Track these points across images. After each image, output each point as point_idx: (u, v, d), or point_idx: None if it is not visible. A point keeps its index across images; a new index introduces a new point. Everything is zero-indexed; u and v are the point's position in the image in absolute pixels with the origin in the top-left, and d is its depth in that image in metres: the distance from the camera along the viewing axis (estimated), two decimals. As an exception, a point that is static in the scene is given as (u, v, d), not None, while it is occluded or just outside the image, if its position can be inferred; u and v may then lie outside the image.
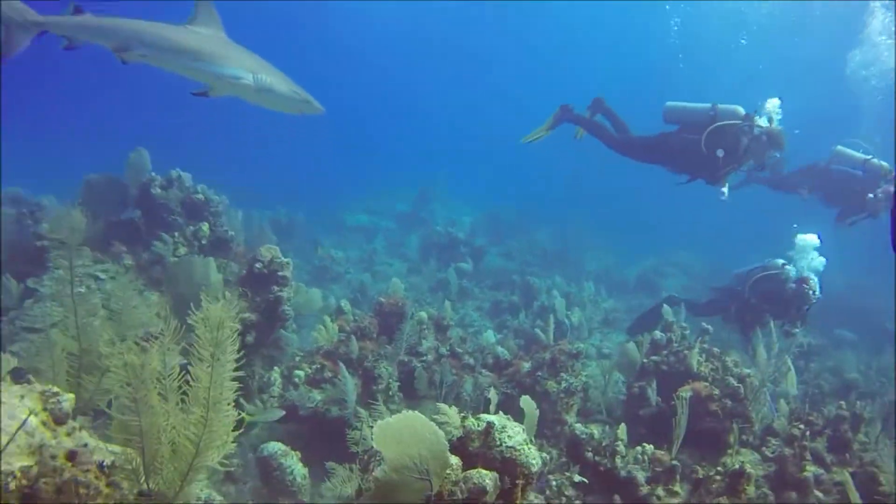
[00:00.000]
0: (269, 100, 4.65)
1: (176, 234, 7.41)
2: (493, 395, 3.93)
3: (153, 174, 7.68)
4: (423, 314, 6.67)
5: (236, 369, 2.76)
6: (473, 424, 3.02)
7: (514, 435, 2.97)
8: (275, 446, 4.87)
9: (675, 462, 4.50)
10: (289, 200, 18.94)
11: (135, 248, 7.51)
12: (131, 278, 7.19)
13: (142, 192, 7.65)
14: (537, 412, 4.47)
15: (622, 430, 4.57)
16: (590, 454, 4.44)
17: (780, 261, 7.27)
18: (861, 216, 8.43)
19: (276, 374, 5.98)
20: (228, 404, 2.73)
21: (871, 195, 7.97)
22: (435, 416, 2.92)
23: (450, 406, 3.05)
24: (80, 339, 3.68)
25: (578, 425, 4.61)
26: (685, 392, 5.52)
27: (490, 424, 2.99)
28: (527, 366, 6.30)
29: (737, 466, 4.46)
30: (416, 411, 2.72)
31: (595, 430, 4.65)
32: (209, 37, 4.22)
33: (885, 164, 8.14)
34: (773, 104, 6.79)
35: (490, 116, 48.02)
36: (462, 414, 3.14)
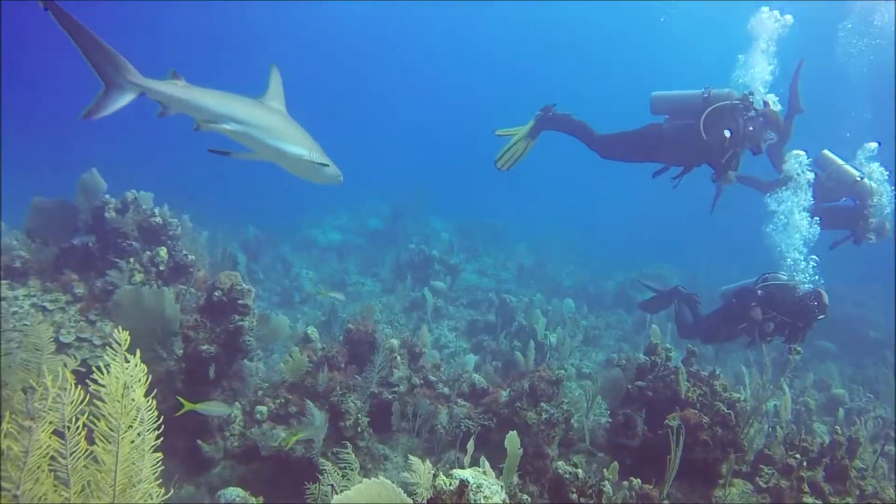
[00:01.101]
0: (309, 173, 4.78)
1: (131, 260, 6.97)
2: (469, 445, 3.56)
3: (107, 197, 7.24)
4: (395, 341, 6.31)
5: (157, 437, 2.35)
6: (445, 483, 2.69)
7: (492, 496, 2.64)
8: (233, 493, 4.49)
9: (666, 503, 4.20)
10: (257, 218, 18.49)
11: (87, 276, 7.06)
12: (83, 308, 6.76)
13: (95, 217, 7.20)
14: (520, 452, 4.17)
15: (613, 468, 4.26)
16: (574, 496, 4.12)
17: (783, 274, 6.89)
18: (845, 239, 8.12)
19: (236, 411, 5.58)
20: (149, 484, 2.34)
21: (863, 222, 7.66)
22: (403, 475, 2.58)
23: (421, 439, 2.69)
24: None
25: (561, 463, 4.29)
26: (673, 420, 5.25)
27: (464, 484, 2.66)
28: (504, 395, 5.98)
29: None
30: (381, 478, 2.39)
31: (579, 468, 4.33)
32: (280, 115, 4.41)
33: (874, 185, 7.80)
34: (763, 82, 6.52)
35: (463, 130, 48.00)
36: (432, 471, 2.81)
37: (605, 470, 4.21)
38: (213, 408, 5.15)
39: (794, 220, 6.95)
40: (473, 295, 14.54)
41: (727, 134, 5.99)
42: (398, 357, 6.28)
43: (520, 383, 5.91)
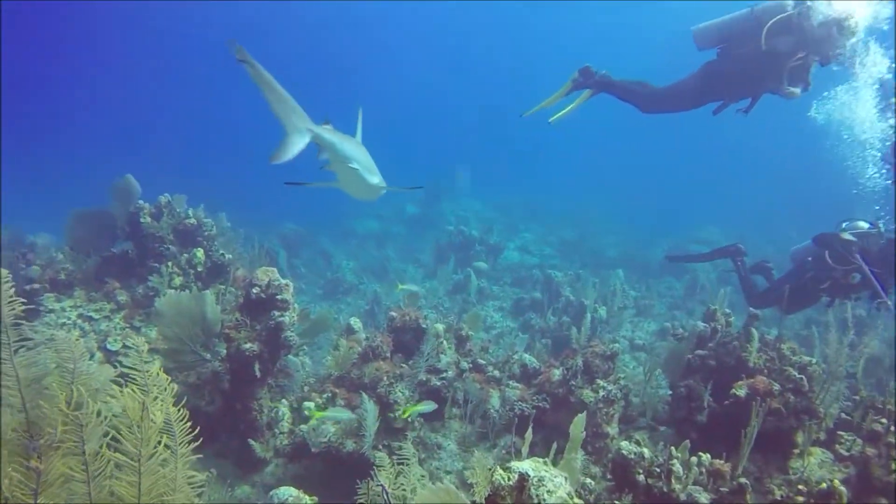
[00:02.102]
0: (367, 196, 5.05)
1: (170, 263, 6.94)
2: (528, 434, 3.32)
3: (141, 202, 7.22)
4: (440, 326, 6.11)
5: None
6: (503, 478, 2.47)
7: (555, 489, 2.42)
8: (286, 492, 4.36)
9: (743, 480, 3.91)
10: (294, 213, 18.51)
11: (129, 283, 7.07)
12: (127, 315, 6.76)
13: (131, 223, 7.19)
14: (583, 435, 3.94)
15: (683, 447, 3.98)
16: (641, 477, 3.87)
17: (863, 222, 6.19)
18: None
19: (284, 408, 5.48)
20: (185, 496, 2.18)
21: None
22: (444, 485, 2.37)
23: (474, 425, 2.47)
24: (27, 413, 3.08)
25: (625, 443, 4.03)
26: (741, 390, 4.93)
27: (524, 477, 2.44)
28: (557, 373, 5.73)
29: (824, 485, 3.84)
30: (445, 483, 2.19)
31: (644, 447, 4.07)
32: (362, 148, 4.72)
33: None
34: None
35: (493, 109, 47.41)
36: (489, 467, 2.59)
37: (673, 448, 3.93)
38: (339, 413, 5.08)
39: None
40: (517, 273, 14.27)
41: (792, 46, 5.37)
42: (444, 342, 6.09)
43: (573, 360, 5.64)
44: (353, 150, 4.42)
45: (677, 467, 3.87)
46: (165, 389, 2.25)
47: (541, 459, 2.67)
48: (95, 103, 42.53)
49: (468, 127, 49.81)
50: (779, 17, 5.46)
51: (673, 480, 3.83)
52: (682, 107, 5.95)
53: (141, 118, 42.76)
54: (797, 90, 5.64)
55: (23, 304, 2.78)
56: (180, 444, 2.25)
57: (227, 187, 22.47)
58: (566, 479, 2.58)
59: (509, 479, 2.46)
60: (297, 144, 3.62)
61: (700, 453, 4.34)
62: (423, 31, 48.99)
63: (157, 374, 2.24)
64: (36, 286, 6.66)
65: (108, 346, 6.35)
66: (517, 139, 42.55)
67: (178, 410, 2.30)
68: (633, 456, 3.96)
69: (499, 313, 12.16)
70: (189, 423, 2.34)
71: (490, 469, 2.56)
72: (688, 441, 4.10)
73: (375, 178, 4.64)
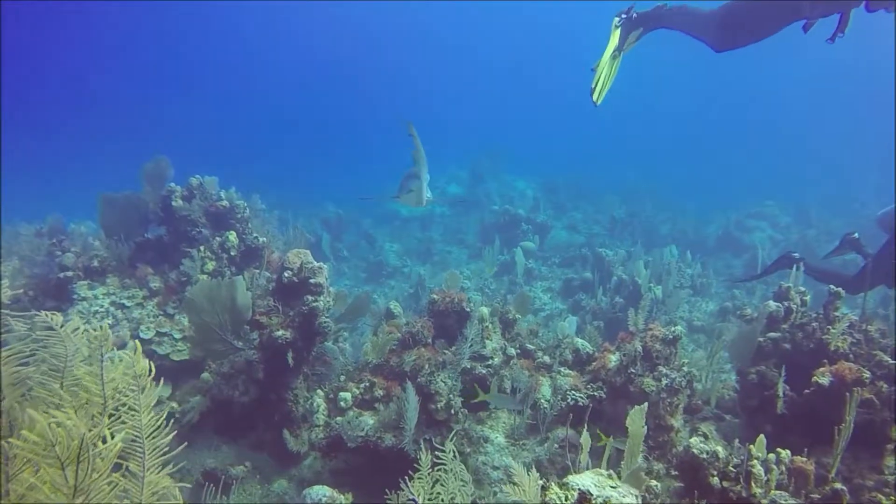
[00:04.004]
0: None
1: (202, 247, 6.67)
2: (584, 439, 2.86)
3: (172, 185, 6.97)
4: (485, 309, 5.68)
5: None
6: (560, 499, 2.03)
7: (626, 512, 1.97)
8: (320, 492, 4.03)
9: (839, 486, 3.38)
10: (337, 196, 18.30)
11: (162, 269, 6.84)
12: (160, 302, 6.54)
13: (163, 207, 6.96)
14: (644, 430, 3.47)
15: (760, 443, 3.45)
16: (716, 480, 3.38)
17: None
18: None
19: (319, 399, 5.14)
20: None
21: None
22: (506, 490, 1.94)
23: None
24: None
25: (695, 440, 3.54)
26: (824, 377, 4.36)
27: (585, 497, 1.99)
28: (614, 359, 5.23)
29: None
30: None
31: (713, 441, 3.58)
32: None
33: None
34: None
35: (536, 82, 46.43)
36: (541, 482, 2.15)
37: (752, 447, 3.42)
38: (504, 401, 4.88)
39: None
40: (565, 252, 13.68)
41: None
42: (490, 326, 5.65)
43: (631, 345, 5.12)
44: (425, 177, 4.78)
45: (758, 469, 3.35)
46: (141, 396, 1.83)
47: (604, 472, 2.22)
48: (143, 89, 43.30)
49: (513, 105, 48.91)
50: None
51: (753, 484, 3.32)
52: (761, 34, 4.85)
53: (192, 103, 43.35)
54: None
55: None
56: (150, 469, 1.83)
57: (270, 171, 22.46)
58: (636, 496, 2.12)
59: (567, 499, 2.02)
60: (426, 191, 4.46)
61: (778, 449, 3.82)
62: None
63: (119, 388, 1.81)
64: (69, 274, 6.49)
65: (141, 335, 6.13)
66: (562, 116, 41.65)
67: (156, 424, 1.87)
68: (705, 455, 3.46)
69: (547, 294, 11.66)
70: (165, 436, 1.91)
71: (541, 484, 2.12)
72: (762, 437, 3.57)
73: (429, 193, 4.96)
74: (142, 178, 7.14)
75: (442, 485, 2.53)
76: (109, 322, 6.22)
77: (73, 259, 6.67)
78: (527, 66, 51.09)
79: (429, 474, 2.54)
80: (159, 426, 1.86)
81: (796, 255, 6.64)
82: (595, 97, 5.00)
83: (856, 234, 6.45)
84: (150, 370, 1.87)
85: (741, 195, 20.02)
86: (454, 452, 3.15)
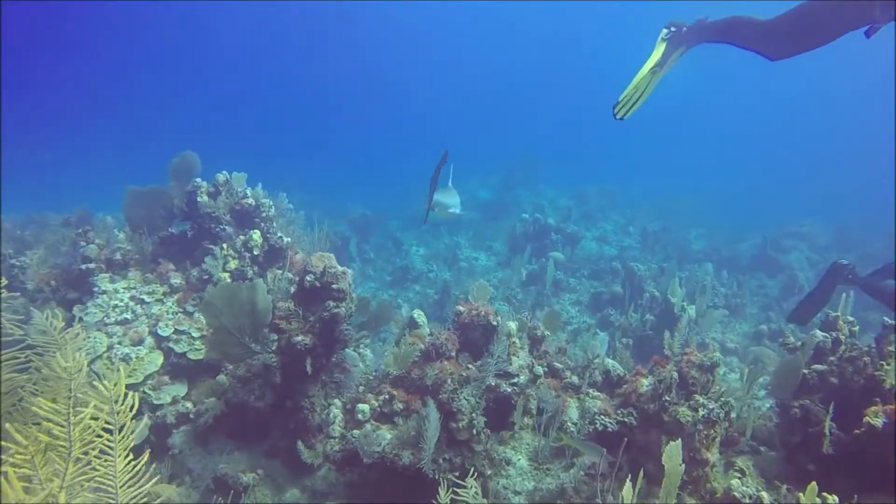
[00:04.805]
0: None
1: (225, 246, 6.54)
2: (626, 491, 2.61)
3: (199, 180, 6.85)
4: (512, 325, 5.43)
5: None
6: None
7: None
8: (332, 511, 3.82)
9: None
10: (365, 197, 18.19)
11: (184, 265, 6.73)
12: (180, 299, 6.41)
13: (189, 202, 6.84)
14: (682, 468, 3.21)
15: (811, 491, 3.17)
16: (759, 528, 3.12)
17: None
18: None
19: (336, 410, 4.95)
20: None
21: None
22: None
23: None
24: None
25: (736, 483, 3.27)
26: (877, 418, 4.04)
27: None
28: (646, 383, 4.93)
29: None
30: None
31: (750, 477, 3.29)
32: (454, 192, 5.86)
33: None
34: None
35: (567, 97, 46.05)
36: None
37: (800, 494, 3.13)
38: (590, 448, 4.54)
39: None
40: (595, 265, 13.38)
41: None
42: (517, 342, 5.40)
43: (665, 370, 4.84)
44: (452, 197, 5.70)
45: (807, 519, 3.07)
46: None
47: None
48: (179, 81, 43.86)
49: (547, 111, 48.54)
50: None
51: (802, 535, 3.05)
52: (826, 35, 4.39)
53: (225, 100, 43.79)
54: None
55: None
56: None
57: (299, 171, 22.46)
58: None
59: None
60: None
61: (825, 494, 3.53)
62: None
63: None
64: (91, 266, 6.41)
65: (159, 332, 6.00)
66: (593, 126, 41.30)
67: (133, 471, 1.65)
68: (748, 501, 3.19)
69: (575, 308, 11.38)
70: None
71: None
72: (815, 485, 3.28)
73: (458, 210, 5.82)
74: (169, 173, 7.05)
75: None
76: (128, 317, 6.11)
77: (97, 251, 6.59)
78: (562, 73, 50.77)
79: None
80: (137, 472, 1.63)
81: (846, 262, 6.24)
82: (619, 111, 4.63)
83: (846, 262, 6.13)
84: (133, 404, 1.65)
85: (780, 211, 19.49)
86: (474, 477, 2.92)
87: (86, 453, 1.51)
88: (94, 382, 1.64)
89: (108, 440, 1.54)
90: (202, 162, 7.35)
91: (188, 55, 46.17)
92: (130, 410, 1.60)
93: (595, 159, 29.73)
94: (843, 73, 40.20)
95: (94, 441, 1.55)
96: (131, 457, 1.58)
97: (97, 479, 1.55)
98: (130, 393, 1.61)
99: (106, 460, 1.56)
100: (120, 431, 1.54)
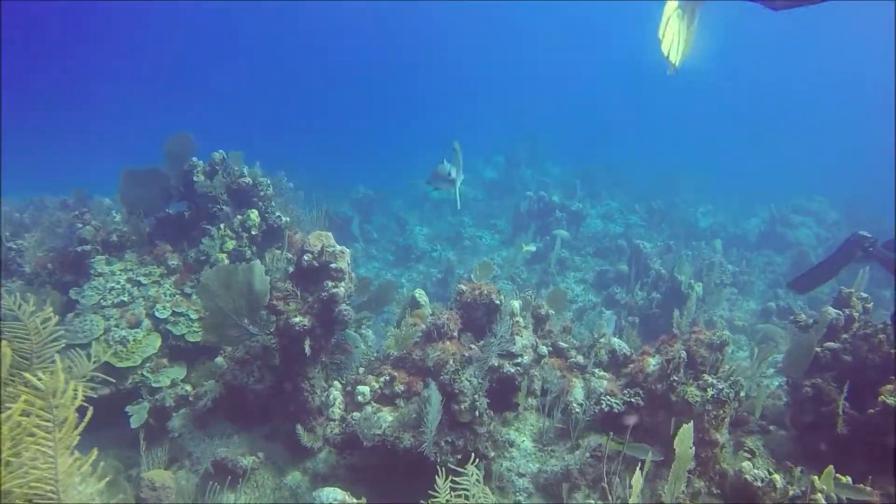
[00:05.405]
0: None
1: (222, 225, 6.41)
2: (636, 481, 2.48)
3: (195, 160, 6.70)
4: (516, 303, 5.30)
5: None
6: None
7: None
8: (331, 495, 3.72)
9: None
10: (368, 177, 18.00)
11: (181, 246, 6.61)
12: (178, 281, 6.30)
13: (185, 182, 6.70)
14: (692, 451, 3.09)
15: (827, 475, 3.04)
16: (772, 512, 3.00)
17: None
18: None
19: (336, 392, 4.84)
20: None
21: None
22: None
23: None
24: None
25: (747, 465, 3.15)
26: (892, 396, 3.91)
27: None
28: (653, 363, 4.82)
29: None
30: None
31: (761, 459, 3.18)
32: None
33: None
34: None
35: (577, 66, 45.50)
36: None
37: (814, 477, 3.01)
38: (638, 450, 4.28)
39: None
40: (600, 242, 13.22)
41: None
42: (521, 321, 5.28)
43: (673, 349, 4.71)
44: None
45: (821, 502, 2.95)
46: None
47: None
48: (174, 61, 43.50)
49: (552, 87, 48.00)
50: None
51: (816, 520, 2.92)
52: None
53: (222, 81, 43.41)
54: None
55: None
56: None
57: (301, 151, 22.28)
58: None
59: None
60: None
61: (838, 476, 3.40)
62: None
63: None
64: (87, 248, 6.28)
65: (157, 314, 5.90)
66: (599, 102, 40.88)
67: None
68: (760, 483, 3.08)
69: (580, 286, 11.24)
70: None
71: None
72: (832, 468, 3.15)
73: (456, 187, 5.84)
74: (165, 154, 6.90)
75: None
76: (125, 299, 6.01)
77: (93, 232, 6.46)
78: (567, 48, 50.15)
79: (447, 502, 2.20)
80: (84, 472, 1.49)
81: (867, 234, 5.89)
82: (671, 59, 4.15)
83: (866, 234, 5.83)
84: (76, 396, 1.51)
85: (788, 187, 19.19)
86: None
87: (18, 455, 1.38)
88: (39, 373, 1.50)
89: (47, 438, 1.41)
90: (207, 146, 7.19)
91: (191, 36, 45.70)
92: (73, 403, 1.47)
93: (602, 137, 29.31)
94: (851, 47, 39.59)
95: (27, 441, 1.42)
96: (77, 455, 1.45)
97: (32, 483, 1.41)
98: (73, 383, 1.48)
99: (46, 461, 1.43)
100: (61, 428, 1.40)
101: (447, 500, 2.20)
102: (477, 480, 2.32)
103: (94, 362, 2.43)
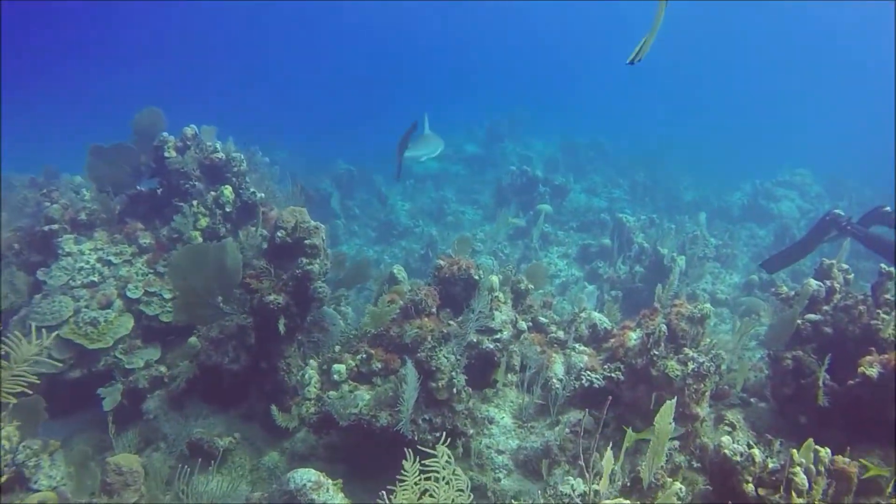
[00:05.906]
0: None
1: (195, 202, 6.24)
2: (607, 459, 2.41)
3: (165, 135, 6.49)
4: (495, 278, 5.21)
5: None
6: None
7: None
8: (304, 476, 3.63)
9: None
10: (348, 153, 17.75)
11: (153, 223, 6.44)
12: (150, 260, 6.14)
13: (156, 158, 6.51)
14: (672, 427, 3.03)
15: (807, 448, 2.99)
16: (751, 487, 2.95)
17: None
18: None
19: (311, 371, 4.74)
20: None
21: None
22: None
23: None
24: None
25: (727, 439, 3.10)
26: (872, 368, 3.88)
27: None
28: (634, 337, 4.76)
29: None
30: None
31: (741, 431, 3.13)
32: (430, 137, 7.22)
33: None
34: None
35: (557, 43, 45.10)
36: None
37: (793, 451, 2.96)
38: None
39: None
40: (583, 217, 13.13)
41: None
42: (500, 296, 5.19)
43: (654, 323, 4.65)
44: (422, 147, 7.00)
45: (801, 478, 2.91)
46: None
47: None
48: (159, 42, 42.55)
49: (535, 62, 47.59)
50: None
51: (794, 495, 2.88)
52: None
53: (202, 57, 42.53)
54: None
55: None
56: None
57: (279, 127, 21.94)
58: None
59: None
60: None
61: (817, 448, 3.36)
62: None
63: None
64: (55, 227, 6.09)
65: (129, 294, 5.75)
66: (585, 74, 40.61)
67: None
68: (739, 458, 3.02)
69: (563, 261, 11.18)
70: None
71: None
72: (811, 441, 3.10)
73: (434, 153, 7.28)
74: (133, 130, 6.69)
75: (432, 495, 2.12)
76: (95, 279, 5.85)
77: (60, 211, 6.26)
78: (551, 25, 49.66)
79: (416, 484, 2.12)
80: None
81: (840, 212, 6.00)
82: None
83: (888, 208, 5.88)
84: None
85: (774, 161, 19.15)
86: (449, 443, 2.73)
87: None
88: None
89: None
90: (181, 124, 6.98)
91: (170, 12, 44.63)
92: None
93: (585, 110, 29.13)
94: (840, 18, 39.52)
95: None
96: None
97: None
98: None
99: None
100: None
101: (415, 483, 2.12)
102: (448, 461, 2.24)
103: (37, 344, 2.32)
